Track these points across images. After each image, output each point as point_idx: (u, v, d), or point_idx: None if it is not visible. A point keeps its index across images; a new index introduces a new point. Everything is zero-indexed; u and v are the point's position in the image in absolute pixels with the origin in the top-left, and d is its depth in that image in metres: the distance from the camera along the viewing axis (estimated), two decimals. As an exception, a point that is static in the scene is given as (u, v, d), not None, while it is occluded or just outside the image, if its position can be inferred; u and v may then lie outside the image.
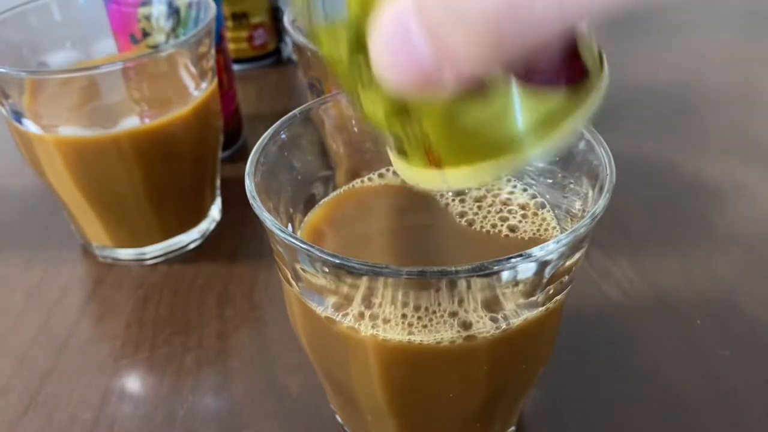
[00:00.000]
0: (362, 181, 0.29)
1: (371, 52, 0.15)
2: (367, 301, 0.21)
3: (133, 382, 0.33)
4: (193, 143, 0.38)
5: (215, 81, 0.40)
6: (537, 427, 0.30)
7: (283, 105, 0.58)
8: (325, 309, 0.22)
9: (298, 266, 0.22)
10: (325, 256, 0.19)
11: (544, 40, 0.13)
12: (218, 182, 0.44)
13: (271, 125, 0.25)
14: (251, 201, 0.22)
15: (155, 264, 0.41)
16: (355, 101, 0.19)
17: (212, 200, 0.44)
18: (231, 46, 0.62)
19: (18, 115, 0.35)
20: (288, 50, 0.66)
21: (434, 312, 0.21)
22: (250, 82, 0.63)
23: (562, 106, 0.17)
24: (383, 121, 0.18)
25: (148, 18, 0.42)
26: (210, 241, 0.43)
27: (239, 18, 0.62)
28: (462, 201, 0.27)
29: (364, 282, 0.20)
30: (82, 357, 0.35)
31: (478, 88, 0.16)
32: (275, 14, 0.65)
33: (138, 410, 0.32)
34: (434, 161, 0.18)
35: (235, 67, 0.61)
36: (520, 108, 0.16)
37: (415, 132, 0.18)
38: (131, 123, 0.36)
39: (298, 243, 0.20)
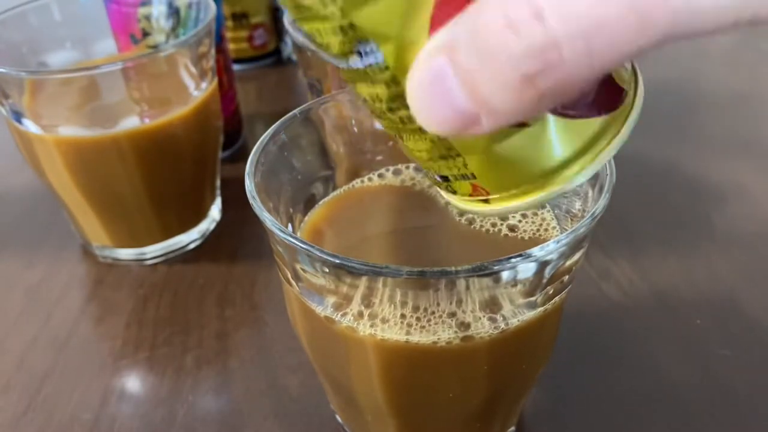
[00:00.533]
0: (362, 181, 0.29)
1: (408, 99, 0.15)
2: (367, 301, 0.21)
3: (133, 382, 0.33)
4: (193, 143, 0.38)
5: (215, 81, 0.40)
6: (537, 427, 0.30)
7: (283, 105, 0.58)
8: (324, 309, 0.22)
9: (298, 266, 0.22)
10: (325, 256, 0.19)
11: (577, 88, 0.14)
12: (218, 182, 0.44)
13: (271, 125, 0.25)
14: (251, 201, 0.22)
15: (155, 264, 0.41)
16: (400, 144, 0.19)
17: (212, 200, 0.44)
18: (231, 46, 0.62)
19: (18, 115, 0.35)
20: (288, 50, 0.66)
21: (433, 312, 0.21)
22: (250, 82, 0.63)
23: (602, 129, 0.17)
24: (428, 162, 0.19)
25: (148, 18, 0.42)
26: (210, 241, 0.43)
27: (239, 18, 0.62)
28: None
29: (363, 282, 0.20)
30: (82, 357, 0.35)
31: (517, 124, 0.16)
32: (275, 14, 0.65)
33: (138, 410, 0.32)
34: (481, 194, 0.18)
35: (235, 67, 0.61)
36: (559, 139, 0.17)
37: (459, 169, 0.18)
38: (131, 123, 0.36)
39: (298, 243, 0.20)
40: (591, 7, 0.12)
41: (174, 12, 0.41)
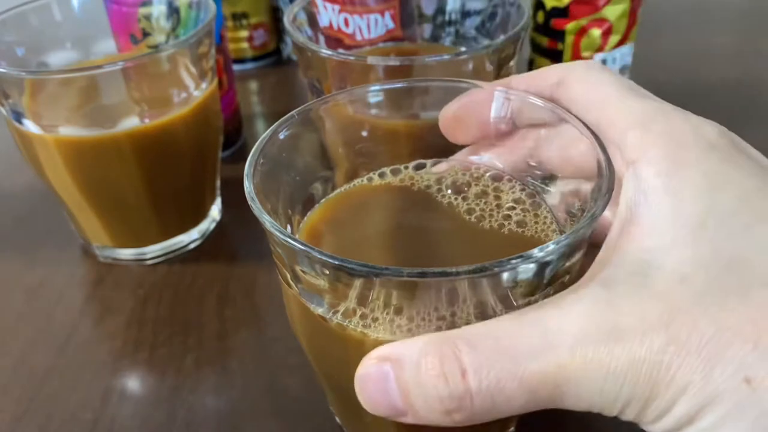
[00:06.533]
0: (361, 181, 0.29)
1: (356, 384, 0.20)
2: (366, 302, 0.21)
3: (133, 382, 0.33)
4: (193, 143, 0.38)
5: (215, 81, 0.40)
6: (537, 426, 0.30)
7: (283, 105, 0.58)
8: (324, 310, 0.22)
9: (297, 268, 0.21)
10: (325, 258, 0.19)
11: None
12: (218, 182, 0.44)
13: (271, 125, 0.25)
14: (250, 203, 0.21)
15: (155, 264, 0.41)
16: None
17: (212, 200, 0.44)
18: (231, 46, 0.62)
19: (18, 115, 0.35)
20: (288, 50, 0.66)
21: (429, 313, 0.21)
22: (250, 83, 0.63)
23: None
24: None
25: (148, 18, 0.42)
26: (210, 241, 0.43)
27: (239, 18, 0.62)
28: (464, 199, 0.27)
29: (363, 283, 0.20)
30: (83, 357, 0.35)
31: None
32: (275, 14, 0.65)
33: (138, 410, 0.32)
34: None
35: (235, 67, 0.61)
36: None
37: None
38: (131, 123, 0.36)
39: (297, 244, 0.20)
40: (499, 380, 0.18)
41: (174, 12, 0.41)
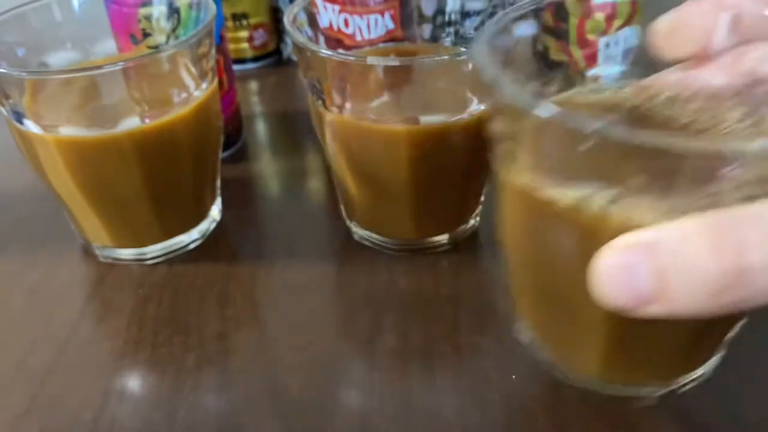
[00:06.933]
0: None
1: (594, 270, 0.18)
2: (622, 182, 0.19)
3: (134, 382, 0.33)
4: (193, 143, 0.39)
5: (215, 81, 0.40)
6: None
7: (283, 105, 0.59)
8: (565, 192, 0.20)
9: (542, 145, 0.20)
10: (604, 129, 0.17)
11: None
12: (218, 182, 0.44)
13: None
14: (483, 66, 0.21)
15: (156, 264, 0.41)
16: None
17: (212, 200, 0.44)
18: (231, 47, 0.62)
19: (18, 116, 0.35)
20: (288, 50, 0.67)
21: (691, 195, 0.19)
22: (251, 83, 0.63)
23: None
24: None
25: (148, 18, 0.42)
26: (210, 241, 0.43)
27: (239, 18, 0.62)
28: (679, 117, 0.25)
29: (632, 158, 0.19)
30: (83, 357, 0.35)
31: None
32: (275, 14, 0.65)
33: (138, 410, 0.32)
34: None
35: (236, 67, 0.61)
36: None
37: None
38: (132, 123, 0.36)
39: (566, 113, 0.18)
40: None
41: (174, 12, 0.42)
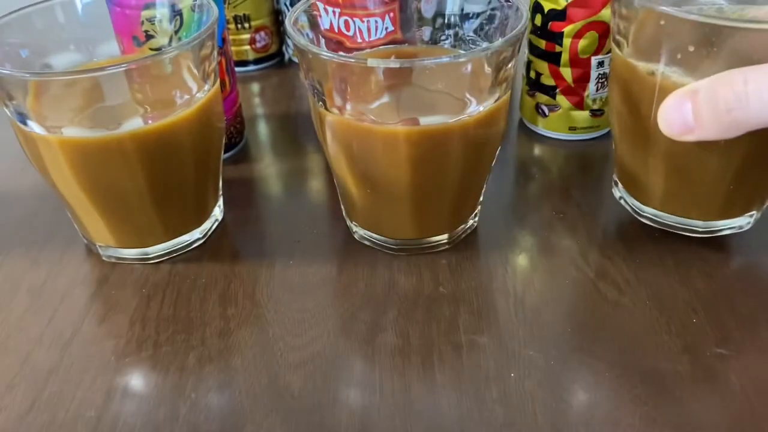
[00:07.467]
0: None
1: (660, 109, 0.30)
2: (685, 57, 0.33)
3: (137, 380, 0.34)
4: (196, 144, 0.39)
5: (218, 83, 0.41)
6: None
7: (284, 107, 0.59)
8: (649, 66, 0.35)
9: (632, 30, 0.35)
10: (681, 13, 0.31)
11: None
12: (221, 183, 0.45)
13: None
14: None
15: (158, 263, 0.41)
16: None
17: (215, 200, 0.44)
18: (233, 49, 0.62)
19: (22, 117, 0.36)
20: (290, 52, 0.67)
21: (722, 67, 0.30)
22: (253, 84, 0.64)
23: None
24: None
25: (151, 21, 0.42)
26: (212, 240, 0.43)
27: (241, 21, 0.63)
28: None
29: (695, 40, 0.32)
30: (86, 355, 0.35)
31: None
32: (277, 17, 0.65)
33: (141, 408, 0.32)
34: None
35: (238, 69, 0.62)
36: None
37: None
38: (135, 124, 0.36)
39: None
40: None
41: (177, 15, 0.42)
